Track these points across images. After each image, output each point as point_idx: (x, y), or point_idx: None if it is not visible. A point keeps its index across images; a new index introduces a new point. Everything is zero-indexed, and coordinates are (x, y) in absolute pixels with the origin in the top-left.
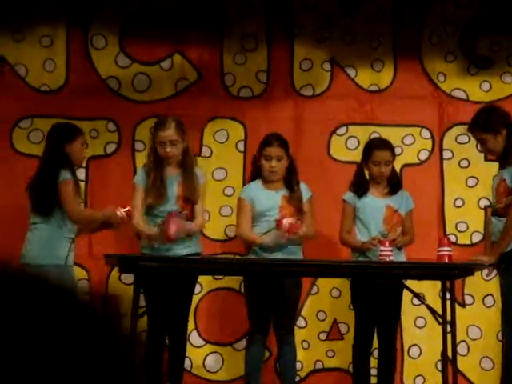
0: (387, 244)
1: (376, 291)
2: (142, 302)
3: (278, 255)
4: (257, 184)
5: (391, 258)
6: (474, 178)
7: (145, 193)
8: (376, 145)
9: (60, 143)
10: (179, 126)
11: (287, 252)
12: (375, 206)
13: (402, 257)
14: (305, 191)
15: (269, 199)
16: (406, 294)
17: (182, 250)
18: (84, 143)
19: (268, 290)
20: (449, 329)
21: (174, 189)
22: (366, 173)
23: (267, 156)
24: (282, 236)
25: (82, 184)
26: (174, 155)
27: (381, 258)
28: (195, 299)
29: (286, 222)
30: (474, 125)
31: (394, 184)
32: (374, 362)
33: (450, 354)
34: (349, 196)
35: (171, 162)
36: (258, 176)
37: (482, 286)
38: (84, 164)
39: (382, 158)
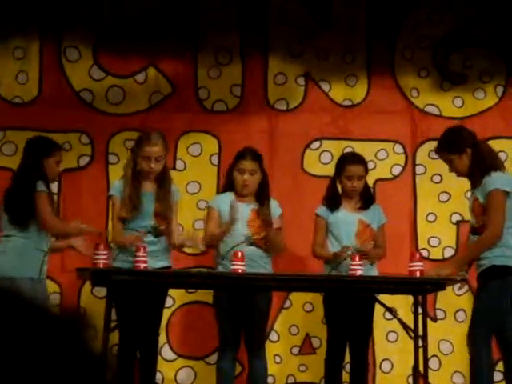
0: (357, 259)
1: (348, 305)
2: (114, 316)
3: (248, 269)
4: (227, 196)
5: (361, 272)
6: (447, 193)
7: (120, 205)
8: (349, 159)
9: (37, 157)
10: (165, 142)
11: (257, 267)
12: (348, 220)
13: (374, 271)
14: (275, 208)
15: (238, 212)
16: (378, 308)
17: (155, 263)
18: (59, 161)
19: (238, 304)
20: (420, 343)
21: (150, 205)
22: (339, 187)
23: (241, 169)
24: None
25: (55, 197)
26: (157, 171)
27: (351, 272)
28: (167, 313)
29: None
30: (440, 146)
31: (366, 198)
32: (345, 377)
33: (421, 368)
34: (321, 210)
35: (150, 177)
36: (230, 189)
37: (454, 300)
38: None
39: (354, 173)
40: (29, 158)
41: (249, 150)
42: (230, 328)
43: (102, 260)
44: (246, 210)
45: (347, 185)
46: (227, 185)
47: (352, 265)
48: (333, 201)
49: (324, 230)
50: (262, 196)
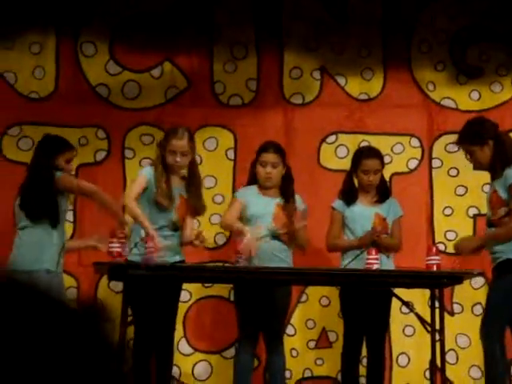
0: (374, 252)
1: (365, 300)
2: (129, 311)
3: (269, 263)
4: (253, 189)
5: (377, 266)
6: (463, 186)
7: (154, 191)
8: (365, 153)
9: (48, 155)
10: (191, 137)
11: (278, 260)
12: (364, 214)
13: (390, 265)
14: (300, 203)
15: (263, 205)
16: (395, 303)
17: (171, 257)
18: (70, 159)
19: (258, 298)
20: (437, 337)
21: (176, 200)
22: (355, 181)
23: (263, 162)
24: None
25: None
26: (182, 166)
27: (367, 266)
28: (184, 307)
29: (246, 240)
30: (462, 137)
31: (382, 192)
32: (362, 371)
33: (438, 362)
34: (338, 204)
35: (176, 172)
36: (254, 182)
37: (471, 294)
38: (73, 172)
39: (371, 167)
40: (40, 155)
41: (271, 143)
42: (249, 322)
43: (116, 248)
44: (271, 203)
45: (363, 179)
46: (251, 179)
47: (368, 259)
48: (349, 195)
49: (340, 224)
50: (286, 191)
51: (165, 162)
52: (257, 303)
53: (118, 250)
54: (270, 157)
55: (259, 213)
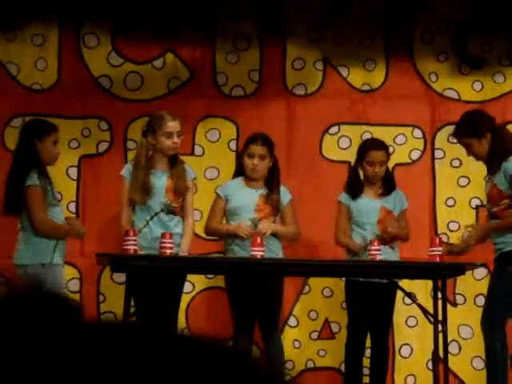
0: (376, 243)
1: (370, 291)
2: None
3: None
4: (237, 181)
5: (380, 257)
6: (466, 177)
7: (130, 188)
8: (371, 145)
9: (30, 140)
10: (180, 120)
11: (267, 249)
12: (370, 207)
13: (395, 257)
14: (285, 194)
15: (245, 197)
16: (398, 294)
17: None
18: (56, 141)
19: (250, 288)
20: (440, 328)
21: (163, 182)
22: (360, 173)
23: (250, 153)
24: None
25: (74, 183)
26: (178, 148)
27: (370, 257)
28: (187, 298)
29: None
30: (459, 130)
31: (388, 184)
32: (365, 362)
33: (441, 353)
34: (343, 197)
35: (169, 154)
36: (242, 173)
37: (474, 285)
38: (76, 163)
39: (376, 159)
40: (23, 141)
41: (260, 135)
42: (243, 312)
43: (131, 246)
44: (254, 195)
45: (369, 170)
46: (238, 170)
47: (371, 250)
48: (355, 187)
49: (346, 217)
50: (271, 182)
51: (148, 151)
52: (249, 293)
53: (135, 247)
54: (257, 149)
55: (242, 204)
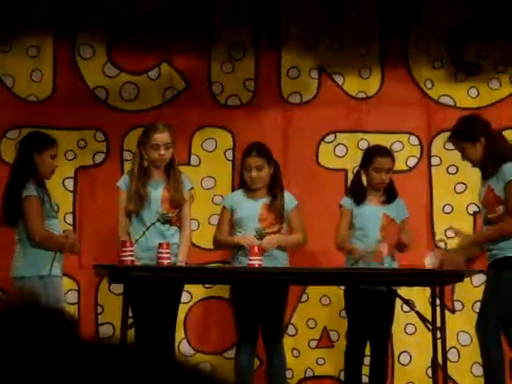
0: (256, 250)
1: (369, 299)
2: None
3: (264, 262)
4: (240, 192)
5: (260, 263)
6: (463, 184)
7: (126, 199)
8: (378, 152)
9: (29, 153)
10: (171, 131)
11: (272, 258)
12: (373, 213)
13: (394, 266)
14: (289, 200)
15: (248, 208)
16: (396, 301)
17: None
18: (55, 155)
19: (255, 298)
20: (439, 335)
21: (159, 192)
22: (364, 180)
23: (247, 167)
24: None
25: (71, 195)
26: (166, 159)
27: (249, 264)
28: (185, 308)
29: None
30: (454, 134)
31: (390, 192)
32: (365, 370)
33: (440, 360)
34: (346, 201)
35: (159, 166)
36: (245, 185)
37: (472, 292)
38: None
39: (383, 165)
40: (21, 153)
41: (253, 146)
42: (247, 322)
43: (128, 257)
44: (256, 205)
45: (375, 177)
46: (240, 182)
47: (250, 259)
48: (358, 193)
49: (348, 221)
50: (274, 189)
51: (143, 162)
52: (254, 304)
53: (132, 258)
54: (253, 161)
55: (246, 216)
